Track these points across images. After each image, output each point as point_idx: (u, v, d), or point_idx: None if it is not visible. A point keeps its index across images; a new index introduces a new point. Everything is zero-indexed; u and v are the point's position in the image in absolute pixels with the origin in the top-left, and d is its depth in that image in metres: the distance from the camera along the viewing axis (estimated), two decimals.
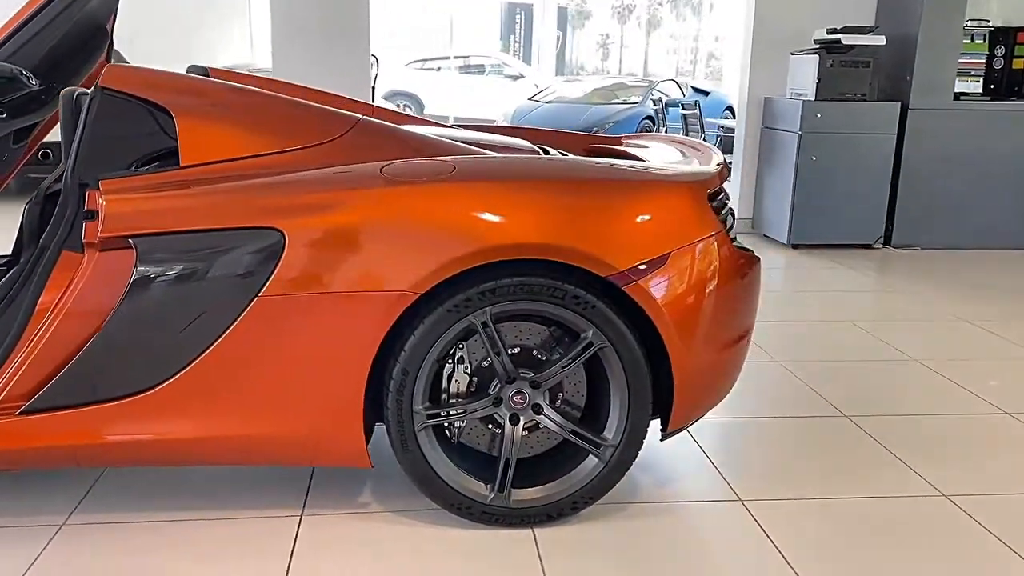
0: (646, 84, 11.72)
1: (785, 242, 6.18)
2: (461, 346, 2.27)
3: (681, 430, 2.45)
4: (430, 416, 2.22)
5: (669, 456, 2.77)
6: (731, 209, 2.54)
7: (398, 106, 16.62)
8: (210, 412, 2.17)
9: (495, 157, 2.37)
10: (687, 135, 7.41)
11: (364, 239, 2.12)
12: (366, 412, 2.21)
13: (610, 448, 2.29)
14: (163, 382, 2.13)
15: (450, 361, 2.28)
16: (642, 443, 2.31)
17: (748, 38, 6.51)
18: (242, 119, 2.35)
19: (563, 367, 2.25)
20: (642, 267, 2.18)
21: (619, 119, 10.47)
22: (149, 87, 2.29)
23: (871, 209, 6.14)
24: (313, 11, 5.96)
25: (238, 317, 2.10)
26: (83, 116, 2.26)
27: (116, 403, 2.14)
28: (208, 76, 3.25)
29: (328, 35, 6.00)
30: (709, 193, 2.33)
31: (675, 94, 11.53)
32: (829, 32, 5.94)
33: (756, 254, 2.51)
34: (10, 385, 2.14)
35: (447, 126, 3.37)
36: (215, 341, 2.11)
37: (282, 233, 2.10)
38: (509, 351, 2.27)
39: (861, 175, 6.06)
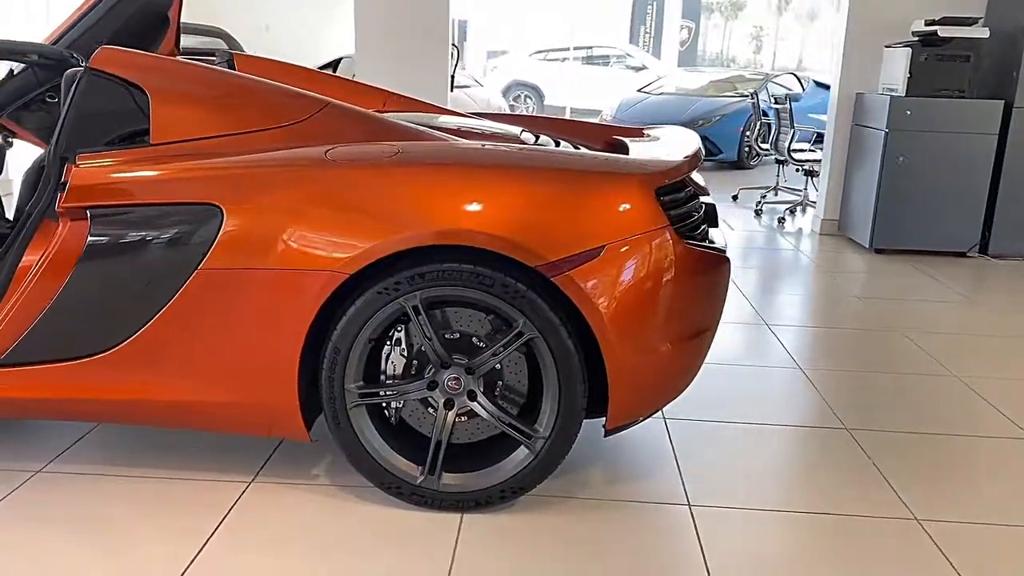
0: (762, 77, 11.31)
1: (867, 246, 5.86)
2: (400, 328, 2.31)
3: (625, 428, 2.40)
4: (363, 395, 2.27)
5: (633, 455, 2.71)
6: (703, 205, 2.46)
7: (518, 97, 16.76)
8: (158, 377, 2.30)
9: (444, 144, 2.38)
10: (779, 132, 7.13)
11: (298, 218, 2.18)
12: (308, 388, 2.28)
13: (540, 440, 2.27)
14: (115, 346, 2.28)
15: (389, 342, 2.32)
16: (574, 437, 2.28)
17: (842, 28, 6.19)
18: (213, 101, 2.46)
19: (493, 355, 2.25)
20: (573, 258, 2.14)
21: (727, 112, 10.16)
22: (129, 68, 2.43)
23: (966, 215, 5.73)
24: (395, 2, 6.10)
25: (180, 288, 2.22)
26: (70, 94, 2.43)
27: (74, 363, 2.30)
28: (232, 64, 3.40)
29: (408, 26, 6.13)
30: (662, 187, 2.26)
31: (796, 88, 11.08)
32: (927, 23, 5.57)
33: (724, 254, 2.42)
34: (23, 336, 2.33)
35: (465, 115, 3.40)
36: (160, 310, 2.24)
37: (220, 209, 2.20)
38: (450, 336, 2.29)
39: (955, 177, 5.66)
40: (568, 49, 16.09)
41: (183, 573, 2.02)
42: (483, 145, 2.43)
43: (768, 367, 3.51)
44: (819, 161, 6.71)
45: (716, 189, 8.17)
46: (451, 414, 2.31)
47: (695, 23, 19.27)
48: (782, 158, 7.13)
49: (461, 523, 2.28)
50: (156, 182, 2.24)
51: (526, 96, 16.91)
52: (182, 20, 8.71)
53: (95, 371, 2.30)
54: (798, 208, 7.16)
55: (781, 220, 6.84)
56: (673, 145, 2.75)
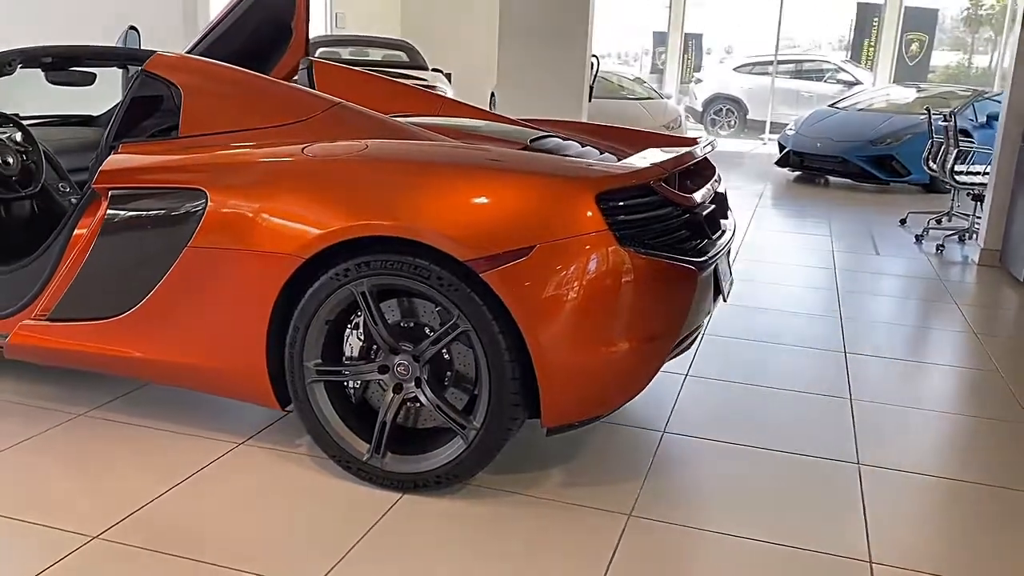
0: (971, 94, 10.34)
1: (1022, 280, 5.27)
2: (359, 313, 2.47)
3: (568, 428, 2.42)
4: (320, 372, 2.46)
5: (606, 463, 2.70)
6: (685, 215, 2.43)
7: (719, 111, 16.37)
8: (159, 340, 2.62)
9: (405, 143, 2.53)
10: (945, 151, 6.56)
11: (269, 206, 2.41)
12: (279, 362, 2.51)
13: (473, 431, 2.35)
14: (128, 310, 2.62)
15: (350, 326, 2.50)
16: (507, 431, 2.33)
17: (1015, 38, 5.61)
18: (234, 99, 2.77)
19: (432, 343, 2.35)
20: (502, 256, 2.21)
21: (919, 131, 9.40)
22: (170, 69, 2.79)
23: None
24: (536, 13, 6.28)
25: (174, 262, 2.52)
26: (126, 92, 2.83)
27: (99, 322, 2.68)
28: (311, 71, 3.70)
29: (549, 37, 6.29)
30: (606, 192, 2.26)
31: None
32: None
33: (687, 265, 2.37)
34: (46, 299, 2.77)
35: (508, 120, 3.51)
36: (160, 281, 2.55)
37: (205, 194, 2.48)
38: (405, 325, 2.43)
39: None
40: (772, 63, 15.50)
41: (147, 504, 2.30)
42: (454, 146, 2.55)
43: (815, 394, 3.32)
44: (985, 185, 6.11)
45: (887, 212, 7.65)
46: (397, 398, 2.43)
47: (929, 35, 17.84)
48: (946, 180, 6.56)
49: (397, 501, 2.40)
50: (158, 168, 2.57)
51: (728, 110, 16.50)
52: (372, 35, 9.31)
53: (115, 330, 2.66)
54: (965, 236, 6.55)
55: (940, 247, 6.30)
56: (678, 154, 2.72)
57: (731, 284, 2.98)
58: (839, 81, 15.99)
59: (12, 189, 3.24)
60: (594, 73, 6.65)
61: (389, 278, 2.32)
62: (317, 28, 13.64)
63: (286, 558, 2.12)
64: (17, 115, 3.48)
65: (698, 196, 2.65)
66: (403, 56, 9.15)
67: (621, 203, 2.30)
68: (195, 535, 2.21)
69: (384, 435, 2.43)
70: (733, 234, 3.14)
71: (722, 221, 2.94)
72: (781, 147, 10.40)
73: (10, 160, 3.26)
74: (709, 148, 3.03)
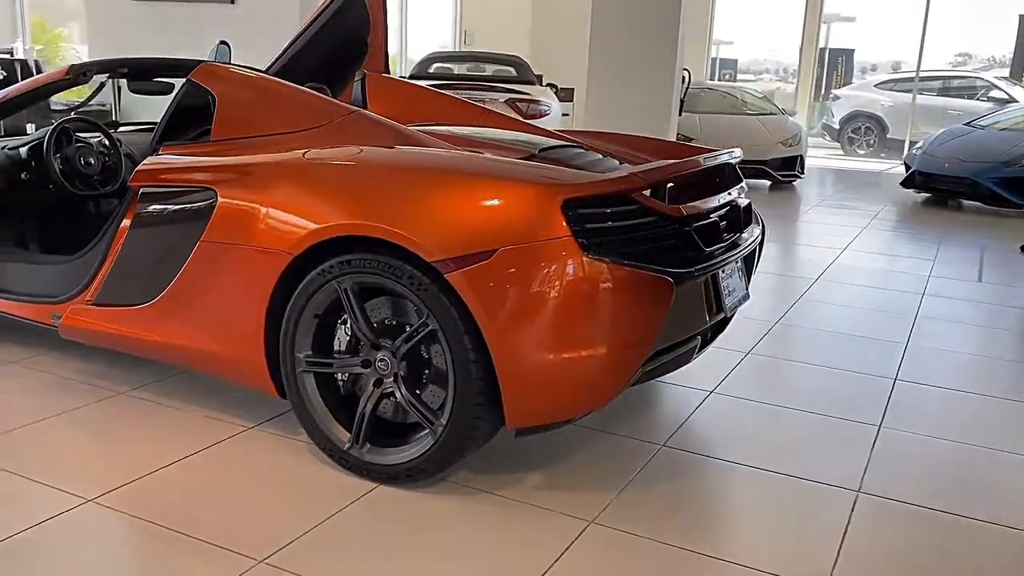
0: None
1: None
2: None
3: (535, 431, 2.45)
4: (309, 363, 2.60)
5: (589, 468, 2.72)
6: (639, 225, 2.42)
7: (858, 129, 15.69)
8: (179, 326, 2.84)
9: (395, 150, 2.64)
10: None
11: (267, 206, 2.59)
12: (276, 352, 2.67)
13: (440, 427, 2.42)
14: (155, 298, 2.86)
15: (340, 321, 2.63)
16: (473, 429, 2.39)
17: None
18: (262, 105, 2.98)
19: (405, 340, 2.45)
20: (466, 258, 2.28)
21: None
22: (210, 77, 3.03)
23: None
24: (625, 26, 6.30)
25: (190, 255, 2.74)
26: (173, 99, 3.09)
27: (132, 308, 2.93)
28: (364, 83, 3.88)
29: (637, 50, 6.29)
30: (574, 199, 2.29)
31: None
32: None
33: (661, 275, 2.36)
34: (93, 285, 3.06)
35: (541, 132, 3.56)
36: (179, 272, 2.78)
37: (215, 193, 2.68)
38: (390, 322, 2.54)
39: None
40: (913, 79, 14.72)
41: (145, 475, 2.51)
42: (441, 153, 2.64)
43: (842, 419, 3.18)
44: None
45: (1009, 239, 7.14)
46: (377, 391, 2.54)
47: None
48: None
49: (371, 491, 2.51)
50: (178, 169, 2.80)
51: (866, 128, 15.79)
52: (484, 51, 9.62)
53: (143, 316, 2.91)
54: None
55: None
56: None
57: (741, 299, 2.92)
58: (991, 99, 14.98)
59: (92, 187, 3.60)
60: (685, 87, 6.58)
61: (368, 276, 2.44)
62: (445, 44, 14.10)
63: (244, 532, 2.26)
64: (114, 122, 3.86)
65: (694, 207, 2.63)
66: (511, 71, 9.32)
67: (589, 211, 2.32)
68: (176, 506, 2.39)
69: (362, 426, 2.54)
70: (756, 247, 3.08)
71: (735, 234, 2.90)
72: (907, 167, 9.88)
73: (92, 160, 3.61)
74: (724, 159, 2.99)
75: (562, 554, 2.23)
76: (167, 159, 2.90)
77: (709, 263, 2.62)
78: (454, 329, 2.33)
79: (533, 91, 8.80)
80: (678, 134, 9.89)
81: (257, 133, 2.91)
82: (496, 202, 2.35)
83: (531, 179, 2.38)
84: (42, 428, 2.86)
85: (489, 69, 9.80)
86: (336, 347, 2.64)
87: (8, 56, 9.30)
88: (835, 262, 6.08)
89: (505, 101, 8.58)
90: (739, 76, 19.89)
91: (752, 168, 9.82)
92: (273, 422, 2.95)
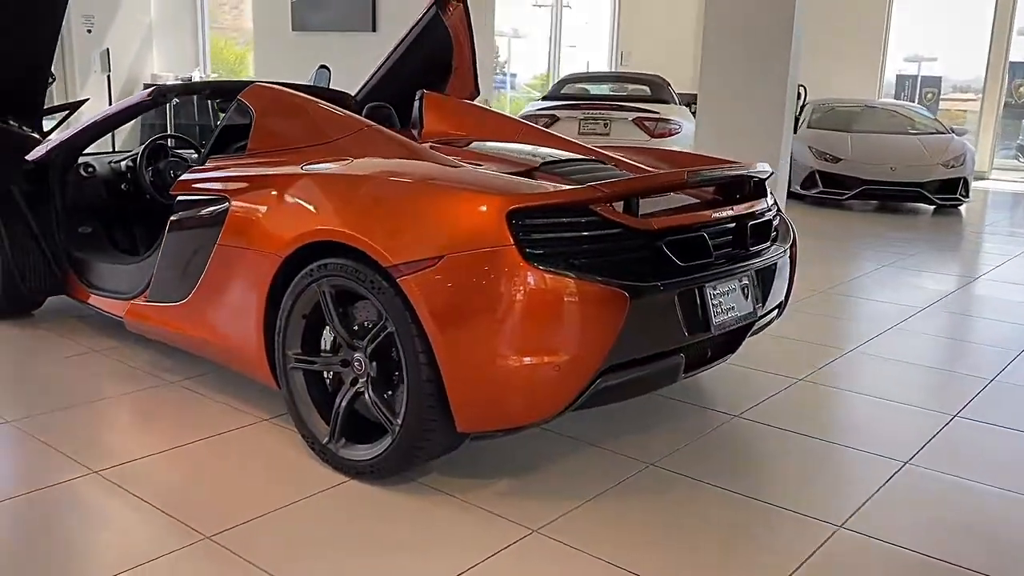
0: None
1: None
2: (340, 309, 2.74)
3: (485, 437, 2.50)
4: (297, 360, 2.77)
5: (560, 479, 2.71)
6: (597, 237, 2.42)
7: None
8: (204, 322, 3.11)
9: (383, 161, 2.77)
10: None
11: (266, 212, 2.80)
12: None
13: (397, 427, 2.51)
14: (187, 296, 3.15)
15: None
16: (424, 432, 2.46)
17: None
18: (290, 121, 3.21)
19: (369, 341, 2.56)
20: (416, 263, 2.38)
21: None
22: (253, 96, 3.31)
23: None
24: (739, 41, 6.13)
25: (210, 258, 3.00)
26: (225, 116, 3.40)
27: (172, 305, 3.24)
28: (422, 101, 4.05)
29: (749, 65, 6.10)
30: (521, 210, 2.33)
31: None
32: None
33: (613, 290, 2.34)
34: (150, 284, 3.40)
35: (578, 148, 3.58)
36: (203, 273, 3.05)
37: (228, 200, 2.92)
38: (367, 324, 2.67)
39: None
40: None
41: (147, 456, 2.78)
42: (419, 165, 2.75)
43: (865, 452, 2.97)
44: None
45: None
46: (352, 389, 2.66)
47: None
48: None
49: (341, 483, 2.63)
50: (205, 179, 3.08)
51: None
52: (624, 69, 9.77)
53: (181, 313, 3.21)
54: None
55: None
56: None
57: (747, 318, 2.82)
58: None
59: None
60: (801, 103, 6.30)
61: (340, 280, 2.58)
62: (601, 64, 14.19)
63: (204, 509, 2.45)
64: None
65: (669, 220, 2.58)
66: (646, 90, 9.28)
67: (537, 221, 2.35)
68: (161, 484, 2.63)
69: (337, 421, 2.67)
70: (775, 265, 2.98)
71: (738, 250, 2.82)
72: None
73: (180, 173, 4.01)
74: (736, 173, 2.92)
75: (488, 558, 2.25)
76: (201, 171, 3.19)
77: (684, 278, 2.56)
78: (407, 332, 2.42)
79: (664, 110, 8.73)
80: (825, 153, 9.47)
81: (284, 146, 3.14)
82: (446, 211, 2.43)
83: (480, 189, 2.44)
84: (93, 408, 3.21)
85: (629, 88, 9.80)
86: (322, 346, 2.79)
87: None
88: (960, 290, 5.62)
89: (632, 120, 8.59)
90: (945, 94, 18.46)
91: (909, 191, 9.21)
92: (285, 416, 3.14)
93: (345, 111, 3.21)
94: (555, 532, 2.39)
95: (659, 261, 2.53)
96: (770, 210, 3.09)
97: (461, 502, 2.55)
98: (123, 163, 4.15)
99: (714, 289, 2.70)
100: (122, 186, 4.15)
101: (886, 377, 3.83)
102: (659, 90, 9.24)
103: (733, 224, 2.86)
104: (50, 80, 3.89)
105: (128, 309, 3.49)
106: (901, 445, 3.04)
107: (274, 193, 2.81)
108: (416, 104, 4.04)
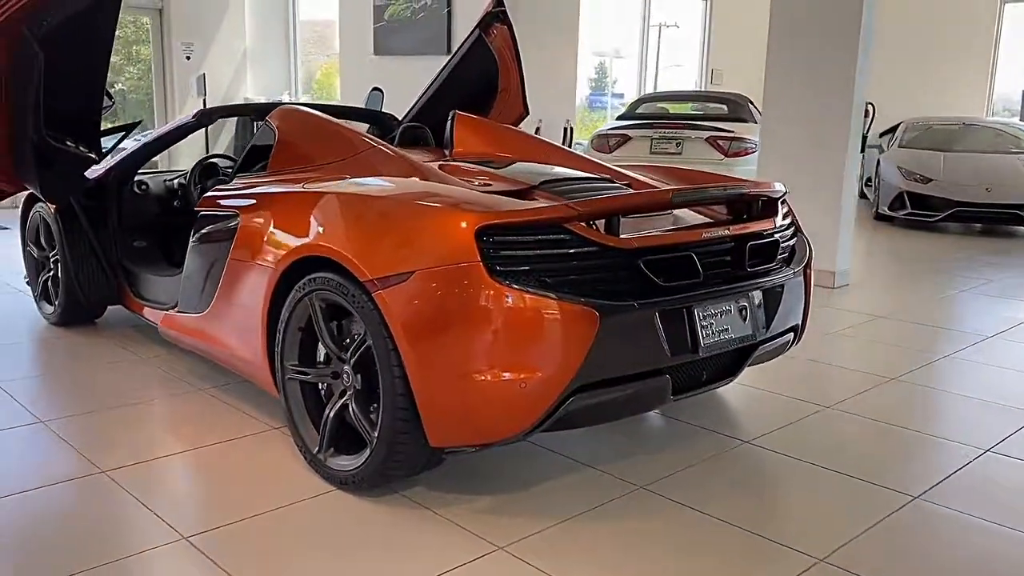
0: None
1: None
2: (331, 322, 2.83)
3: (456, 451, 2.51)
4: (294, 371, 2.86)
5: (541, 499, 2.69)
6: (569, 255, 2.41)
7: None
8: (221, 332, 3.25)
9: (375, 180, 2.85)
10: None
11: (269, 228, 2.91)
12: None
13: (374, 440, 2.56)
14: (208, 307, 3.30)
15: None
16: (399, 444, 2.50)
17: None
18: (306, 140, 3.34)
19: (352, 353, 2.62)
20: (390, 278, 2.43)
21: None
22: (276, 117, 3.45)
23: None
24: (803, 61, 5.96)
25: (224, 270, 3.14)
26: (254, 136, 3.56)
27: (196, 316, 3.40)
28: (454, 118, 4.12)
29: (815, 85, 5.93)
30: (490, 227, 2.35)
31: None
32: None
33: (582, 308, 2.34)
34: (180, 295, 3.58)
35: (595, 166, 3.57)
36: (219, 285, 3.19)
37: (239, 216, 3.05)
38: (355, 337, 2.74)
39: None
40: None
41: (157, 458, 2.92)
42: (408, 183, 2.81)
43: (872, 484, 2.84)
44: None
45: None
46: (340, 401, 2.73)
47: None
48: None
49: (326, 492, 2.70)
50: (222, 196, 3.22)
51: None
52: (715, 88, 9.76)
53: (202, 323, 3.37)
54: None
55: None
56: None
57: (738, 340, 2.75)
58: None
59: None
60: (869, 121, 6.07)
61: (329, 294, 2.66)
62: (691, 83, 14.02)
63: (190, 511, 2.56)
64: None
65: (651, 239, 2.56)
66: (724, 109, 9.11)
67: (507, 238, 2.36)
68: (161, 484, 2.76)
69: (326, 431, 2.74)
70: (782, 287, 2.90)
71: (735, 271, 2.76)
72: None
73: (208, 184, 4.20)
74: (734, 192, 2.87)
75: (444, 572, 2.26)
76: (224, 188, 3.35)
77: (666, 297, 2.52)
78: (383, 346, 2.47)
79: (740, 129, 8.57)
80: (914, 173, 9.06)
81: (298, 165, 3.26)
82: (419, 228, 2.47)
83: (452, 207, 2.47)
84: (119, 411, 3.38)
85: (707, 107, 9.66)
86: (318, 358, 2.88)
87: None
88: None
89: (706, 139, 8.46)
90: None
91: (1005, 213, 8.72)
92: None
93: (356, 131, 3.30)
94: (521, 550, 2.38)
95: (638, 280, 2.50)
96: (780, 230, 3.01)
97: (437, 516, 2.57)
98: (175, 181, 4.39)
99: (704, 310, 2.65)
100: (174, 203, 4.38)
101: (921, 408, 3.64)
102: (737, 109, 9.07)
103: (731, 244, 2.80)
104: (109, 103, 4.15)
105: (162, 318, 3.68)
106: (914, 479, 2.89)
107: (275, 210, 2.93)
108: (448, 124, 4.11)
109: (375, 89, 5.37)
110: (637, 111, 9.45)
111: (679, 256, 2.61)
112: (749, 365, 3.04)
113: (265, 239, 2.92)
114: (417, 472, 2.68)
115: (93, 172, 4.19)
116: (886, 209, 9.29)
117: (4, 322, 4.68)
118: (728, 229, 2.78)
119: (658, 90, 13.20)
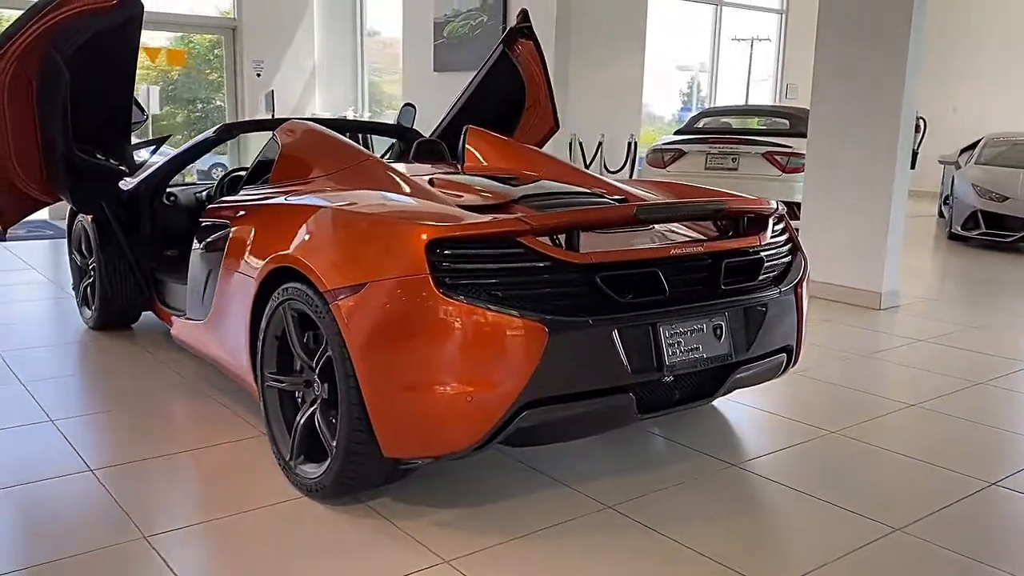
0: None
1: None
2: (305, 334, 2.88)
3: (412, 463, 2.52)
4: (272, 379, 2.92)
5: (504, 516, 2.67)
6: (522, 269, 2.40)
7: None
8: (217, 340, 3.35)
9: (351, 192, 2.89)
10: None
11: (252, 238, 3.00)
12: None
13: (334, 449, 2.59)
14: (206, 316, 3.41)
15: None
16: (354, 455, 2.52)
17: None
18: (305, 152, 3.42)
19: (316, 363, 2.66)
20: (345, 289, 2.47)
21: None
22: (282, 131, 3.55)
23: None
24: (850, 75, 5.78)
25: (218, 280, 3.23)
26: (261, 150, 3.67)
27: (199, 323, 3.52)
28: (466, 132, 4.15)
29: (862, 97, 5.74)
30: (436, 240, 2.35)
31: None
32: None
33: (530, 322, 2.33)
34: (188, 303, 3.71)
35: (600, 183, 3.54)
36: (215, 293, 3.29)
37: (229, 226, 3.15)
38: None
39: None
40: None
41: (155, 457, 3.03)
42: (378, 195, 2.85)
43: (865, 518, 2.72)
44: None
45: None
46: (310, 409, 2.77)
47: None
48: None
49: (295, 498, 2.75)
50: (223, 207, 3.33)
51: None
52: (763, 104, 9.69)
53: (202, 330, 3.48)
54: None
55: None
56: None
57: (711, 360, 2.68)
58: None
59: None
60: (920, 137, 5.82)
61: (298, 304, 2.71)
62: (765, 98, 13.75)
63: (158, 510, 2.64)
64: None
65: (610, 254, 2.52)
66: (785, 123, 8.90)
67: (457, 252, 2.36)
68: (139, 485, 2.85)
69: (295, 438, 2.79)
70: (753, 305, 2.82)
71: (710, 288, 2.71)
72: None
73: None
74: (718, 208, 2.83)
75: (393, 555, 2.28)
76: (227, 199, 3.46)
77: (625, 314, 2.48)
78: (340, 356, 2.50)
79: (799, 144, 8.33)
80: (990, 191, 8.64)
81: (295, 177, 3.34)
82: (374, 240, 2.50)
83: (406, 219, 2.49)
84: (123, 413, 3.52)
85: (767, 122, 9.46)
86: (294, 367, 2.93)
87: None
88: None
89: (762, 155, 8.29)
90: None
91: None
92: None
93: (351, 144, 3.36)
94: (465, 564, 2.37)
95: (596, 295, 2.47)
96: (767, 248, 2.92)
97: (393, 527, 2.58)
98: (204, 193, 4.55)
99: (671, 328, 2.59)
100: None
101: (932, 436, 3.46)
102: (799, 123, 8.82)
103: (708, 261, 2.73)
104: (142, 118, 4.36)
105: (174, 325, 3.81)
106: (901, 511, 2.75)
107: (258, 221, 3.02)
108: (461, 139, 4.15)
109: (407, 105, 5.46)
110: (696, 125, 9.32)
111: (643, 272, 2.56)
112: (740, 387, 2.97)
113: (248, 250, 3.00)
114: (377, 484, 2.70)
115: (126, 184, 4.38)
116: (959, 229, 8.89)
117: (53, 326, 4.94)
118: (702, 246, 2.72)
119: (731, 104, 12.98)
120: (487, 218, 2.48)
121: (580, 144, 9.36)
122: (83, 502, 2.73)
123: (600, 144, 9.54)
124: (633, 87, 9.87)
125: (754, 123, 9.74)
